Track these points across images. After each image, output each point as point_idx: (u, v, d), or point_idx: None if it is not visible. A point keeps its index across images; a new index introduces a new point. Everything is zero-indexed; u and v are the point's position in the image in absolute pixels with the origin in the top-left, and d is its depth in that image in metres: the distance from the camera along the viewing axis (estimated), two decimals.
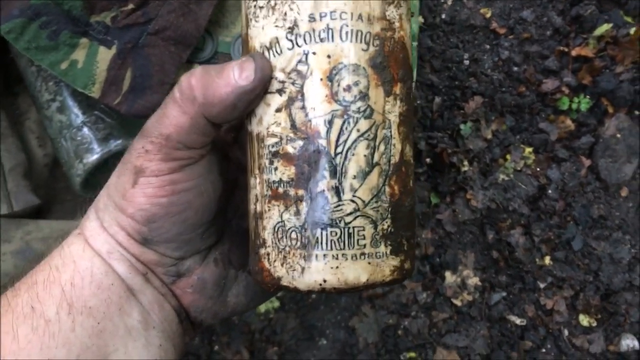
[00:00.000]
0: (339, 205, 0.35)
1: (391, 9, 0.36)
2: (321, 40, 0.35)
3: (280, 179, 0.36)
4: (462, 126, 1.08)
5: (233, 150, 0.42)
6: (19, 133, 0.80)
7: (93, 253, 0.36)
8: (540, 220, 1.05)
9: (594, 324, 1.00)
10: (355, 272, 0.35)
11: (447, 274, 1.02)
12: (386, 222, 0.36)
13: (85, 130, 0.70)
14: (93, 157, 0.69)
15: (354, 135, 0.35)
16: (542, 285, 1.02)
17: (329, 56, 0.35)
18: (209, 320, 0.41)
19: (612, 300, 1.02)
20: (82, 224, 0.38)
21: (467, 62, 1.11)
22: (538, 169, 1.07)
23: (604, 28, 1.08)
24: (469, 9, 1.13)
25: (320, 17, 0.34)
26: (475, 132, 1.08)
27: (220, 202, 0.39)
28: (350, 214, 0.35)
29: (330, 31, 0.35)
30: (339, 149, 0.35)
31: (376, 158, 0.35)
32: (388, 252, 0.36)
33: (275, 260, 0.36)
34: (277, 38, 0.35)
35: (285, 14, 0.35)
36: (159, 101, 0.69)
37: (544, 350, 1.00)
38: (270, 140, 0.36)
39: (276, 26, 0.35)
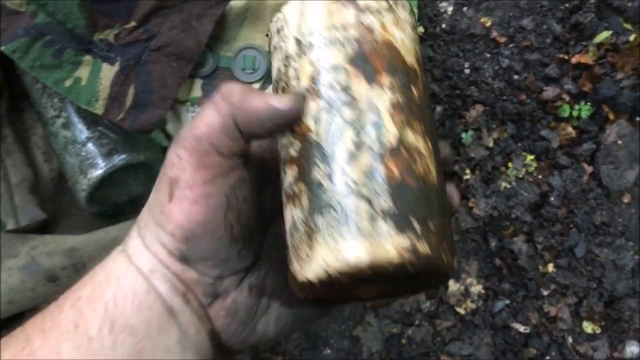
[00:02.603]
0: (333, 189, 0.35)
1: (368, 16, 0.39)
2: (304, 53, 0.39)
3: (290, 181, 0.38)
4: (463, 134, 1.08)
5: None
6: (25, 148, 0.81)
7: (136, 271, 0.37)
8: (543, 228, 1.05)
9: (598, 331, 1.01)
10: (354, 251, 0.34)
11: (451, 282, 1.03)
12: (383, 200, 0.35)
13: (90, 145, 0.71)
14: (97, 172, 0.71)
15: (339, 122, 0.36)
16: (545, 293, 1.03)
17: (311, 64, 0.38)
18: (237, 346, 0.42)
19: (616, 306, 1.02)
20: (126, 241, 0.39)
21: (467, 71, 1.12)
22: (540, 177, 1.07)
23: (603, 35, 1.09)
24: (469, 19, 1.14)
25: (302, 36, 0.39)
26: (476, 141, 1.08)
27: (257, 222, 0.41)
28: (345, 195, 0.35)
29: (310, 45, 0.38)
30: (328, 138, 0.36)
31: (365, 140, 0.36)
32: (391, 229, 0.34)
33: (293, 260, 0.37)
34: (279, 68, 0.40)
35: (281, 47, 0.40)
36: (162, 116, 0.71)
37: (548, 357, 1.00)
38: (283, 152, 0.39)
39: (278, 59, 0.40)
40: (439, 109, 1.09)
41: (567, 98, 1.09)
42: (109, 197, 0.75)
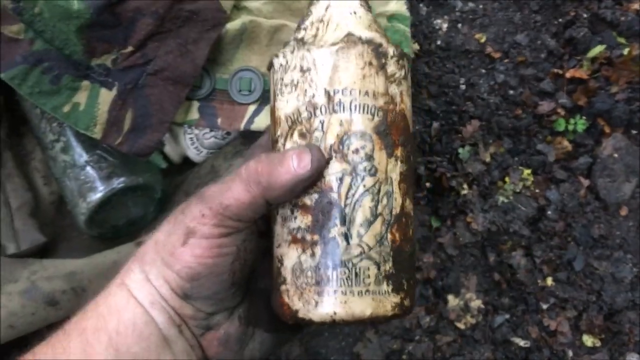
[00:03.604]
0: (348, 249, 0.40)
1: (393, 86, 0.43)
2: (334, 111, 0.41)
3: (299, 226, 0.41)
4: (460, 150, 1.09)
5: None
6: (25, 172, 0.82)
7: (136, 304, 0.40)
8: (541, 242, 1.06)
9: (598, 344, 1.01)
10: (361, 307, 0.40)
11: (450, 297, 1.03)
12: (388, 264, 0.41)
13: (89, 169, 0.72)
14: (96, 196, 0.71)
15: (361, 190, 0.41)
16: (545, 306, 1.03)
17: (341, 124, 0.41)
18: None
19: (616, 319, 1.02)
20: (125, 275, 0.42)
21: (463, 87, 1.13)
22: (537, 191, 1.08)
23: (597, 50, 1.10)
24: (464, 35, 1.15)
25: (333, 92, 0.41)
26: (473, 156, 1.09)
27: (252, 266, 0.45)
28: (358, 256, 0.40)
29: (342, 104, 0.41)
30: (348, 201, 0.41)
31: (379, 209, 0.41)
32: (390, 290, 0.41)
33: (293, 296, 0.42)
34: (298, 110, 0.42)
35: (305, 90, 0.42)
36: (160, 139, 0.71)
37: None
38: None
39: (298, 100, 0.42)
40: (435, 125, 1.10)
41: (563, 112, 1.09)
42: (108, 220, 0.75)
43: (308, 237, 0.41)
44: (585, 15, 1.14)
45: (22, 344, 0.82)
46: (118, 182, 0.72)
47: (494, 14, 1.16)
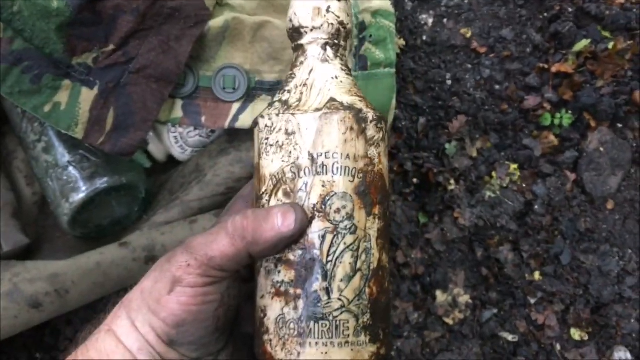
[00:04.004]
0: (329, 303, 0.43)
1: (372, 149, 0.45)
2: (317, 173, 0.43)
3: (283, 280, 0.44)
4: (447, 145, 1.09)
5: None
6: (7, 173, 0.81)
7: (125, 350, 0.42)
8: (528, 236, 1.06)
9: (586, 338, 1.01)
10: (341, 357, 0.43)
11: (438, 293, 1.03)
12: (366, 317, 0.44)
13: (71, 169, 0.71)
14: (79, 196, 0.70)
15: (342, 247, 0.43)
16: (532, 301, 1.03)
17: (323, 185, 0.43)
18: None
19: (603, 313, 1.02)
20: (112, 321, 0.44)
21: (449, 82, 1.12)
22: (524, 185, 1.08)
23: (582, 44, 1.10)
24: (449, 30, 1.15)
25: (317, 155, 0.44)
26: (460, 151, 1.09)
27: (235, 312, 0.47)
28: (338, 309, 0.43)
29: (324, 167, 0.43)
30: (330, 258, 0.43)
31: (359, 265, 0.44)
32: (367, 340, 0.44)
33: (276, 346, 0.44)
34: (283, 170, 0.44)
35: (290, 152, 0.44)
36: (143, 138, 0.71)
37: None
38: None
39: (282, 160, 0.44)
40: (422, 120, 1.10)
41: (549, 107, 1.09)
42: (91, 220, 0.75)
43: (291, 290, 0.43)
44: (570, 10, 1.15)
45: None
46: (101, 182, 0.71)
47: (479, 9, 1.16)
